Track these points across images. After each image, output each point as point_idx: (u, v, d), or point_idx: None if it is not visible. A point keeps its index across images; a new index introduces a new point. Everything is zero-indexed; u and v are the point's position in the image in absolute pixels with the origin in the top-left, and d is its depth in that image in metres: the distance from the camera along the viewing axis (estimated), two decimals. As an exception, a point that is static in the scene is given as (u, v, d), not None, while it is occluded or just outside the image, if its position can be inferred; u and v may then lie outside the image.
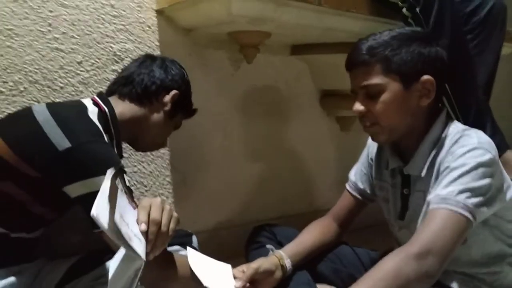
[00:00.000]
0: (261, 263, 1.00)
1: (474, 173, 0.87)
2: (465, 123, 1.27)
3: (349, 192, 1.19)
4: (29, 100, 1.18)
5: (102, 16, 1.30)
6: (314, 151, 1.93)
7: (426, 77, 0.94)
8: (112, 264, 0.72)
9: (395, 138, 1.00)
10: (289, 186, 1.85)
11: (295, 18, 1.38)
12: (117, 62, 1.33)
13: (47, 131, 0.88)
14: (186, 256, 0.93)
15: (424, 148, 0.97)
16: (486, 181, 0.88)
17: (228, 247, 1.35)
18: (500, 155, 1.08)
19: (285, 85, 1.82)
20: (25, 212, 0.92)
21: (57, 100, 1.22)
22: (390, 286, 0.80)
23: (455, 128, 0.97)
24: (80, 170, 0.86)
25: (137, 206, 0.78)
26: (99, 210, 0.64)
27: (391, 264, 0.83)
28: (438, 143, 0.96)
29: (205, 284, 0.89)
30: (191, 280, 0.90)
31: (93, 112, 0.97)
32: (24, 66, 1.17)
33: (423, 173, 0.97)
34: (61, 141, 0.86)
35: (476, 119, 1.33)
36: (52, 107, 0.94)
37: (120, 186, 0.77)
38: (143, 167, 1.40)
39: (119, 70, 1.22)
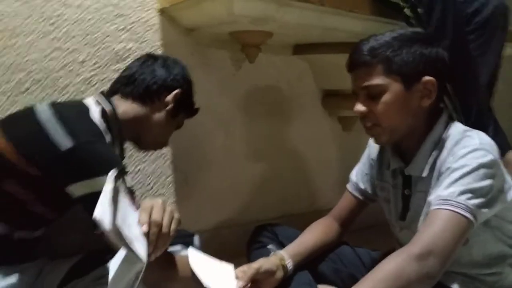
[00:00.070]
0: (262, 263, 1.01)
1: (475, 174, 0.87)
2: (467, 123, 1.27)
3: (350, 193, 1.19)
4: (31, 99, 1.18)
5: (105, 15, 1.30)
6: (316, 151, 1.93)
7: (427, 78, 0.94)
8: (112, 266, 0.72)
9: (396, 139, 1.00)
10: (291, 186, 1.85)
11: (297, 18, 1.38)
12: (119, 61, 1.33)
13: (49, 131, 0.88)
14: (187, 257, 0.94)
15: (425, 149, 0.97)
16: (487, 182, 0.87)
17: (230, 247, 1.35)
18: (502, 156, 1.08)
19: (287, 85, 1.82)
20: (26, 211, 0.93)
21: (60, 99, 1.22)
22: (391, 287, 0.80)
23: (457, 129, 0.97)
24: (82, 170, 0.86)
25: (138, 207, 0.78)
26: (102, 213, 0.64)
27: (392, 265, 0.83)
28: (439, 144, 0.96)
29: (205, 284, 0.89)
30: (192, 281, 0.90)
31: (95, 112, 0.98)
32: (27, 65, 1.17)
33: (424, 174, 0.97)
34: (63, 141, 0.87)
35: (478, 119, 1.33)
36: (55, 107, 0.94)
37: (122, 188, 0.77)
38: (145, 166, 1.40)
39: (122, 70, 1.22)
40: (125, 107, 1.06)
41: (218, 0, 1.27)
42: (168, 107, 1.10)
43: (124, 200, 0.75)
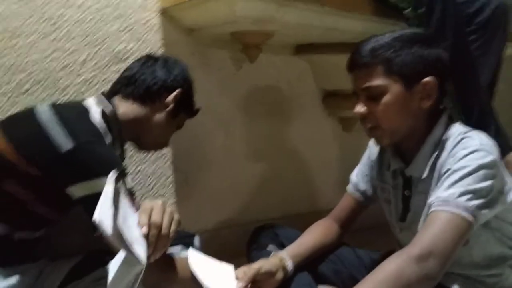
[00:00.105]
0: (262, 264, 1.01)
1: (475, 175, 0.87)
2: (468, 124, 1.27)
3: (351, 193, 1.19)
4: (32, 100, 1.18)
5: (105, 16, 1.30)
6: (316, 151, 1.93)
7: (427, 79, 0.93)
8: (112, 268, 0.72)
9: (397, 140, 1.00)
10: (291, 186, 1.85)
11: (298, 19, 1.38)
12: (120, 62, 1.33)
13: (50, 132, 0.88)
14: (186, 258, 0.94)
15: (426, 150, 0.97)
16: (487, 183, 0.87)
17: (230, 247, 1.36)
18: (502, 157, 1.08)
19: (287, 85, 1.82)
20: (27, 211, 0.93)
21: (60, 100, 1.22)
22: (391, 289, 0.80)
23: (457, 130, 0.97)
24: (82, 171, 0.86)
25: (138, 208, 0.78)
26: (102, 215, 0.64)
27: (393, 266, 0.83)
28: (440, 145, 0.96)
29: (206, 285, 0.89)
30: (192, 282, 0.90)
31: (95, 113, 0.98)
32: (28, 66, 1.17)
33: (425, 175, 0.97)
34: (63, 142, 0.87)
35: (479, 120, 1.33)
36: (55, 107, 0.94)
37: (122, 190, 0.77)
38: (145, 167, 1.40)
39: (122, 70, 1.22)
40: (125, 107, 1.06)
41: (219, 1, 1.27)
42: (169, 108, 1.10)
43: (124, 202, 0.75)
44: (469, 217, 0.85)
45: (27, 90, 1.17)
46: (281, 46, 1.74)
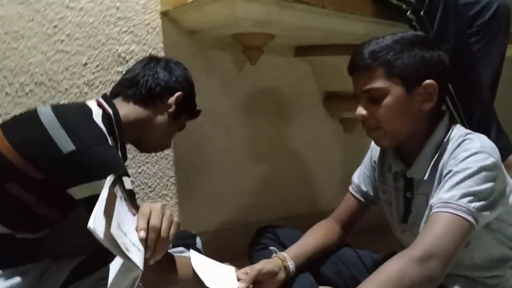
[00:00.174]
0: (264, 265, 1.01)
1: (476, 177, 0.87)
2: (469, 126, 1.27)
3: (352, 195, 1.19)
4: (34, 101, 1.19)
5: (107, 18, 1.31)
6: (317, 152, 1.93)
7: (428, 81, 0.94)
8: (110, 272, 0.72)
9: (398, 142, 1.00)
10: (293, 187, 1.85)
11: (299, 20, 1.38)
12: (122, 63, 1.34)
13: (52, 134, 0.88)
14: (188, 258, 0.94)
15: (427, 152, 0.97)
16: (488, 185, 0.88)
17: (232, 248, 1.36)
18: (504, 159, 1.08)
19: (288, 87, 1.82)
20: (30, 212, 0.93)
21: (63, 101, 1.23)
22: (392, 290, 0.81)
23: (458, 132, 0.97)
24: (85, 173, 0.87)
25: (137, 211, 0.78)
26: (96, 222, 0.63)
27: (394, 267, 0.83)
28: (441, 147, 0.96)
29: (208, 285, 0.89)
30: (192, 282, 0.90)
31: (97, 114, 0.98)
32: (30, 68, 1.18)
33: (426, 177, 0.97)
34: (66, 144, 0.87)
35: (481, 121, 1.33)
36: (57, 109, 0.94)
37: (119, 194, 0.76)
38: (147, 168, 1.41)
39: (124, 72, 1.22)
40: (127, 109, 1.06)
41: (221, 3, 1.27)
42: (170, 109, 1.10)
43: (121, 206, 0.75)
44: (470, 219, 0.85)
45: (29, 92, 1.18)
46: (282, 48, 1.75)
